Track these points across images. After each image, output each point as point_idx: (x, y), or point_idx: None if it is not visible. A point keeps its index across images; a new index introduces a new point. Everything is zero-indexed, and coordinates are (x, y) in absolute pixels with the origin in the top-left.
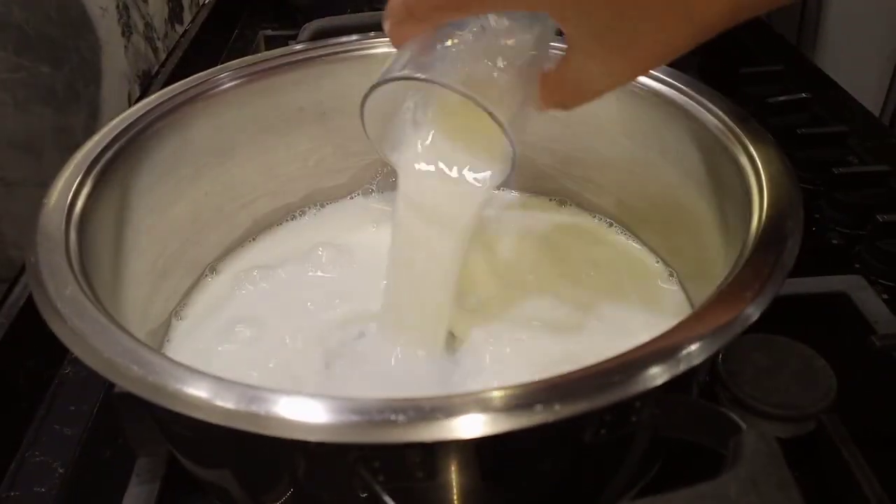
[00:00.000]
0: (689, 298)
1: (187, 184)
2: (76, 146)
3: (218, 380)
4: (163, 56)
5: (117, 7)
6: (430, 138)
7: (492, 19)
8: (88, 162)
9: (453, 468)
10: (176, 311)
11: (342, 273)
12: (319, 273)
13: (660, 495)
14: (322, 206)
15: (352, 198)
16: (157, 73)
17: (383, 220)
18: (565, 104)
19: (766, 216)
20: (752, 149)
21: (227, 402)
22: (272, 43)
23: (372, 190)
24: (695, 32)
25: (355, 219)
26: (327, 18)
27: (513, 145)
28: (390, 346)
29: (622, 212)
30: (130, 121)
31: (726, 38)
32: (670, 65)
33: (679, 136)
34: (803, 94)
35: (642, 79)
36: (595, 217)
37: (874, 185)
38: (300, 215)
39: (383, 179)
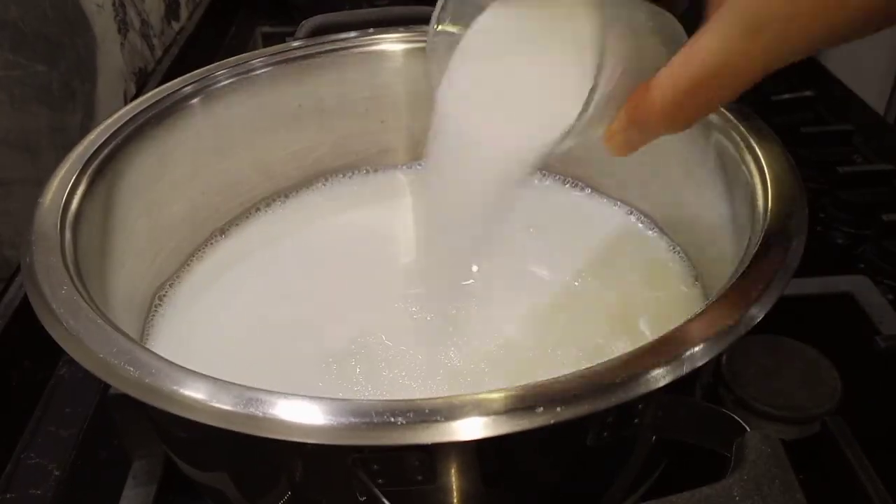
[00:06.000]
0: (704, 294)
1: (184, 183)
2: (72, 145)
3: (215, 381)
4: (159, 53)
5: (113, 4)
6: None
7: None
8: (84, 161)
9: (453, 471)
10: (172, 310)
11: (338, 265)
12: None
13: (663, 498)
14: (317, 202)
15: (350, 195)
16: (154, 70)
17: (379, 220)
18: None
19: (771, 215)
20: (756, 147)
21: (223, 403)
22: (269, 40)
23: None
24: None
25: (351, 215)
26: (325, 15)
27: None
28: None
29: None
30: (126, 119)
31: None
32: None
33: (681, 135)
34: (807, 92)
35: None
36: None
37: (879, 184)
38: (295, 207)
39: (382, 178)
